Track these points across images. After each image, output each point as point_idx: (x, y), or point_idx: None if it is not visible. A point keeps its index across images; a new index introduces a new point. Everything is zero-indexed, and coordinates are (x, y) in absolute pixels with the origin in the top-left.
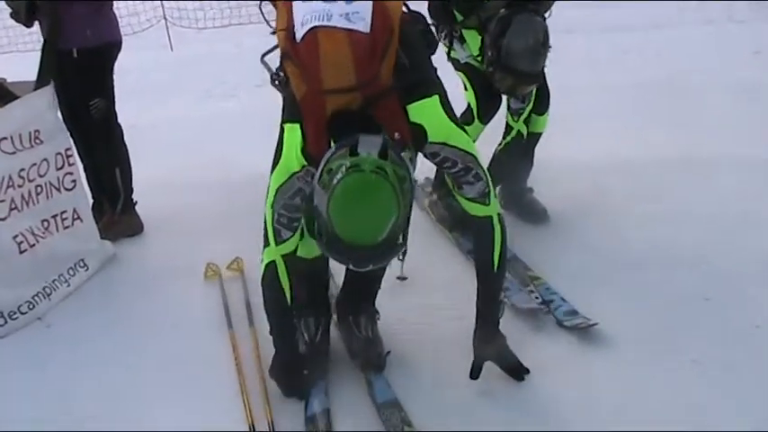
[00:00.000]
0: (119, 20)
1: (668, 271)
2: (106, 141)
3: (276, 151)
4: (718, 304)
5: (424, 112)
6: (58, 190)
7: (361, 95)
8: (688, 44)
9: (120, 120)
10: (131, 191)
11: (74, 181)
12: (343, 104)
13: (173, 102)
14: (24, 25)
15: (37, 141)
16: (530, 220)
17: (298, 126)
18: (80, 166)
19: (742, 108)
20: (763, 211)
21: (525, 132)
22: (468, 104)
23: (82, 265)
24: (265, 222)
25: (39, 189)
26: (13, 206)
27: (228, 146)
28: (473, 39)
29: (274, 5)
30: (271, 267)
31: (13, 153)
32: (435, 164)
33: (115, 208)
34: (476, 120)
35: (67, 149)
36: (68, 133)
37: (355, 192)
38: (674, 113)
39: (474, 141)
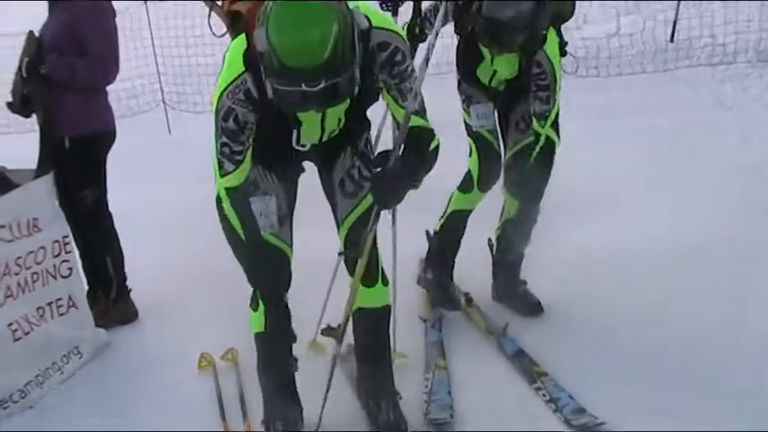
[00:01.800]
0: (117, 103)
1: (668, 360)
2: (95, 230)
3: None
4: (722, 389)
5: (361, 7)
6: (54, 277)
7: None
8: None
9: (115, 202)
10: (124, 278)
11: (70, 268)
12: None
13: (169, 184)
14: (21, 115)
15: (35, 229)
16: (524, 312)
17: (243, 35)
18: (77, 252)
19: (733, 194)
20: (758, 296)
21: (556, 140)
22: (469, 171)
23: (76, 352)
24: (212, 154)
25: (35, 276)
26: (9, 293)
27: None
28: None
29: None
30: (218, 201)
31: (11, 241)
32: (383, 66)
33: (108, 295)
34: (475, 188)
35: (65, 237)
36: (66, 221)
37: (291, 7)
38: (664, 198)
39: (470, 210)
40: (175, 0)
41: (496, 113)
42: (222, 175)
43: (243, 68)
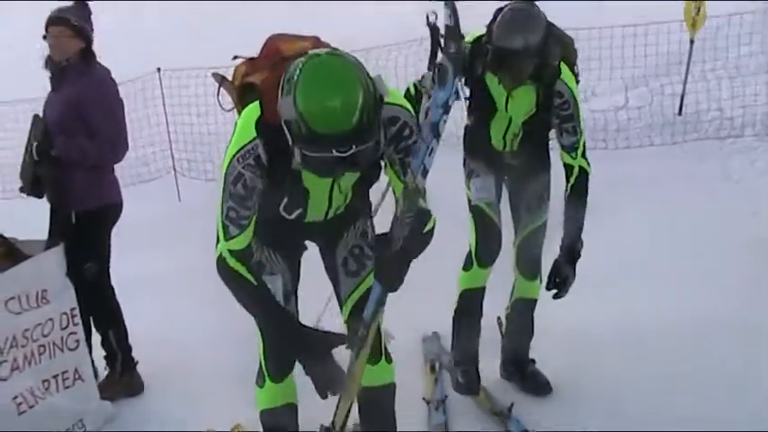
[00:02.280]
0: (128, 170)
1: None
2: (98, 303)
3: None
4: None
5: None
6: (61, 350)
7: None
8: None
9: (124, 270)
10: (129, 349)
11: (77, 341)
12: None
13: (178, 253)
14: (33, 196)
15: (43, 301)
16: (532, 392)
17: (257, 103)
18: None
19: (741, 268)
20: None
21: (588, 169)
22: (469, 247)
23: (80, 426)
24: (217, 218)
25: (42, 349)
26: (15, 366)
27: (230, 301)
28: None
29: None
30: (221, 261)
31: (20, 313)
32: (390, 141)
33: (114, 367)
34: (474, 264)
35: (73, 309)
36: (74, 293)
37: (317, 74)
38: (673, 273)
39: (481, 288)
40: (189, 69)
41: (507, 192)
42: (227, 239)
43: (254, 135)
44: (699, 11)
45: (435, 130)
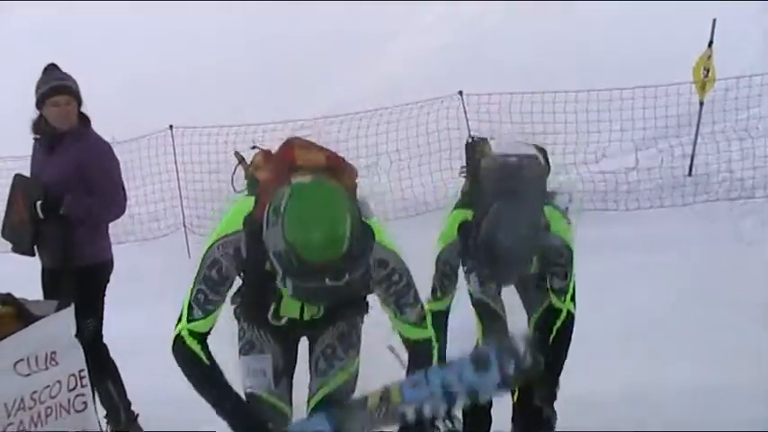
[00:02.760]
0: (139, 225)
1: None
2: (97, 359)
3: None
4: None
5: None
6: (68, 412)
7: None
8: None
9: (132, 329)
10: (129, 403)
11: (84, 402)
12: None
13: None
14: (29, 255)
15: (52, 363)
16: None
17: (252, 198)
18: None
19: (754, 334)
20: None
21: (574, 311)
22: (477, 341)
23: None
24: (183, 302)
25: (49, 411)
26: (21, 429)
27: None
28: None
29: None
30: (179, 340)
31: (28, 375)
32: (380, 282)
33: (118, 421)
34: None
35: (81, 370)
36: (83, 354)
37: (304, 204)
38: (685, 338)
39: None
40: (201, 127)
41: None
42: (188, 320)
43: (240, 227)
44: (708, 73)
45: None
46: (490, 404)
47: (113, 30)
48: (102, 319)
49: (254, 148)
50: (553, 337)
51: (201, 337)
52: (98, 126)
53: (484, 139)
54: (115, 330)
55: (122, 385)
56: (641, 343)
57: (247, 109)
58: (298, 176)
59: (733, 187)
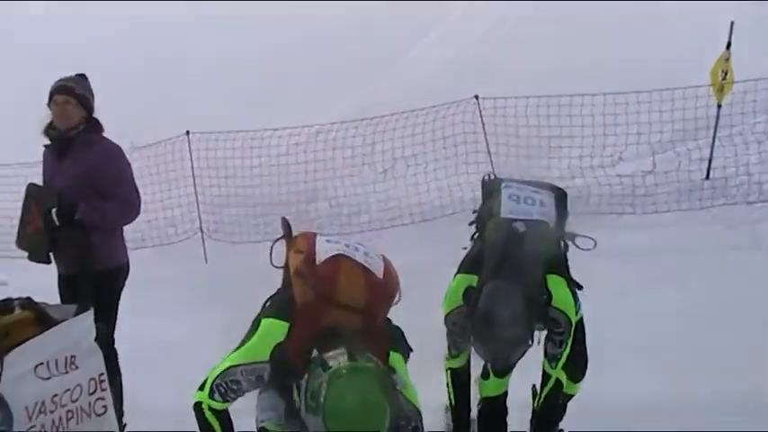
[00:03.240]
0: (156, 230)
1: None
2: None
3: (243, 340)
4: None
5: (396, 361)
6: (89, 415)
7: (362, 319)
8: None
9: (151, 334)
10: (122, 413)
11: (104, 406)
12: (339, 321)
13: (202, 316)
14: (44, 263)
15: (72, 367)
16: None
17: (286, 324)
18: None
19: None
20: None
21: (564, 380)
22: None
23: None
24: (208, 375)
25: (69, 414)
26: None
27: None
28: None
29: (289, 241)
30: (198, 407)
31: (49, 378)
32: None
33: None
34: (491, 374)
35: (101, 375)
36: (103, 358)
37: (342, 398)
38: (700, 345)
39: (503, 394)
40: (218, 132)
41: None
42: (209, 396)
43: (267, 359)
44: (726, 75)
45: None
46: (506, 411)
47: (131, 35)
48: (114, 324)
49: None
50: (541, 403)
51: (221, 413)
52: (116, 131)
53: (498, 181)
54: (130, 336)
55: (121, 394)
56: (655, 349)
57: (264, 115)
58: (331, 355)
59: (751, 191)
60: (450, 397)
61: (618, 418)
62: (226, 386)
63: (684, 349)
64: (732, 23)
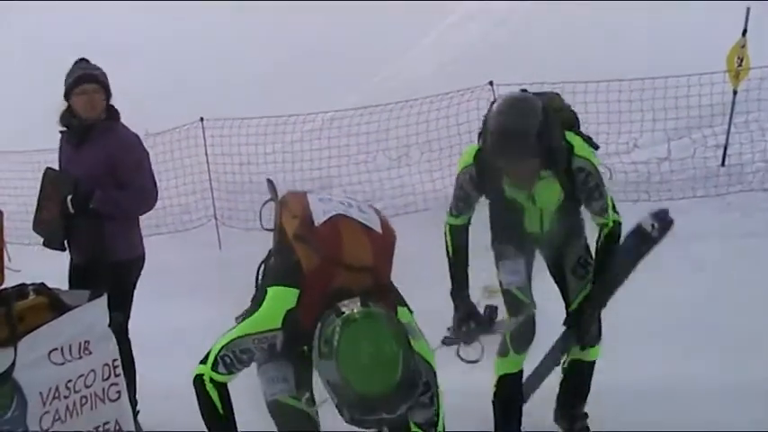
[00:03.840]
0: (171, 217)
1: None
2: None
3: (251, 309)
4: None
5: (404, 315)
6: (103, 401)
7: (371, 278)
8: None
9: (165, 320)
10: (136, 402)
11: (118, 392)
12: (349, 282)
13: (217, 302)
14: (59, 250)
15: (86, 352)
16: None
17: (296, 291)
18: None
19: None
20: None
21: (620, 219)
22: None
23: None
24: (212, 348)
25: (84, 400)
26: (57, 417)
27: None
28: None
29: (278, 202)
30: (199, 380)
31: (62, 364)
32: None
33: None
34: (510, 350)
35: (114, 360)
36: (117, 344)
37: (358, 343)
38: (716, 332)
39: (516, 373)
40: (231, 119)
41: (546, 264)
42: (212, 369)
43: (279, 326)
44: (742, 62)
45: None
46: (521, 396)
47: (144, 23)
48: (129, 314)
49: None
50: (601, 242)
51: (221, 385)
52: (130, 119)
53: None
54: (145, 323)
55: (135, 383)
56: (671, 336)
57: (278, 101)
58: (345, 303)
59: (767, 178)
60: (447, 248)
61: (632, 403)
62: (233, 357)
63: (699, 335)
64: (748, 10)
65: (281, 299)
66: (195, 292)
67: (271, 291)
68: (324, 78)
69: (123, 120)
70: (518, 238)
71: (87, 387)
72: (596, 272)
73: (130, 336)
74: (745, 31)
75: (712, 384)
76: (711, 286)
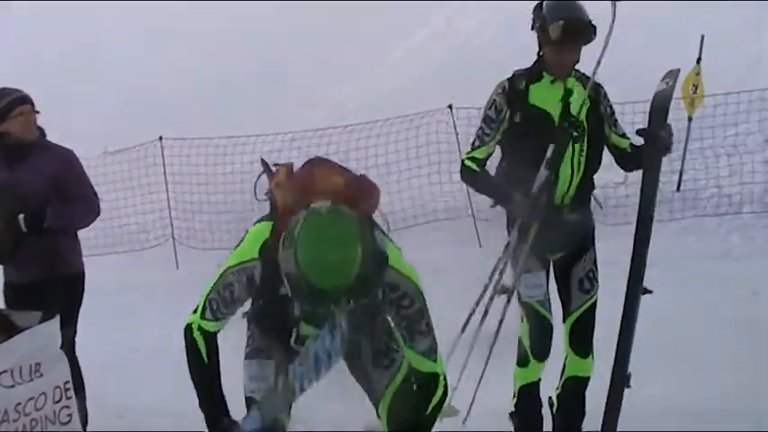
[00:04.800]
0: (128, 236)
1: None
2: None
3: (237, 246)
4: None
5: (386, 243)
6: (54, 423)
7: (343, 201)
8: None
9: (122, 339)
10: (86, 418)
11: (69, 414)
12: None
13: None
14: (8, 259)
15: (37, 374)
16: None
17: (269, 224)
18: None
19: (741, 352)
20: None
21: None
22: (521, 342)
23: None
24: (201, 295)
25: (34, 423)
26: None
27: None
28: None
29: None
30: (188, 329)
31: (12, 387)
32: (391, 303)
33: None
34: (531, 359)
35: (66, 382)
36: (68, 365)
37: (318, 231)
38: (668, 355)
39: (538, 381)
40: (191, 139)
41: (554, 271)
42: (201, 317)
43: (256, 256)
44: (696, 89)
45: None
46: (540, 402)
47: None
48: (76, 330)
49: (276, 165)
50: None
51: (209, 335)
52: (90, 137)
53: None
54: (100, 341)
55: (85, 400)
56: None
57: (237, 121)
58: (316, 201)
59: (721, 203)
60: (471, 178)
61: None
62: (218, 297)
63: (652, 357)
64: (702, 37)
65: (258, 232)
66: (151, 311)
67: (250, 229)
68: (284, 99)
69: (83, 137)
70: (543, 214)
71: (38, 410)
72: None
73: (85, 354)
74: (699, 59)
75: (668, 404)
76: (665, 310)
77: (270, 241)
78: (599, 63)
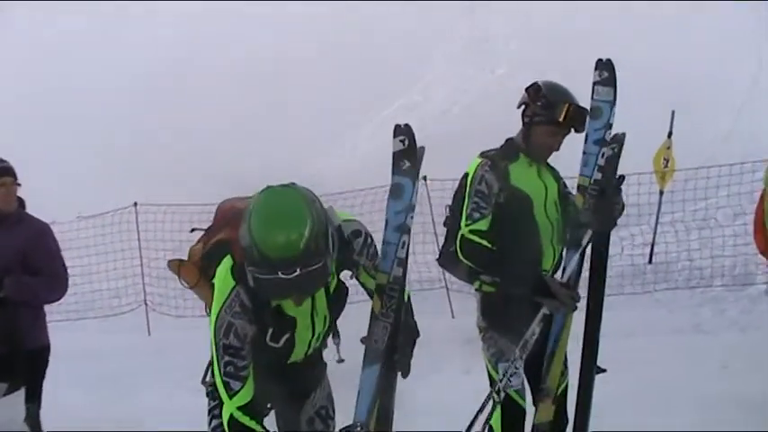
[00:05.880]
0: (100, 302)
1: None
2: None
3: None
4: None
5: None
6: None
7: None
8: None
9: (93, 407)
10: None
11: None
12: None
13: (146, 392)
14: None
15: None
16: None
17: (228, 257)
18: None
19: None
20: None
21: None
22: (491, 428)
23: None
24: (215, 379)
25: None
26: None
27: None
28: None
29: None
30: (232, 422)
31: None
32: (361, 251)
33: None
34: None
35: None
36: None
37: (270, 203)
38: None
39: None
40: (166, 205)
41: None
42: (231, 397)
43: (234, 282)
44: (668, 163)
45: (405, 228)
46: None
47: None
48: (40, 404)
49: (192, 230)
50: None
51: (252, 409)
52: (63, 202)
53: None
54: (71, 408)
55: None
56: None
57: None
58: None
59: (692, 276)
60: (477, 257)
61: None
62: (228, 352)
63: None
64: (673, 113)
65: (223, 270)
66: (121, 379)
67: (216, 276)
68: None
69: (54, 202)
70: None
71: None
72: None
73: (54, 422)
74: (670, 134)
75: None
76: (637, 384)
77: (236, 266)
78: None
